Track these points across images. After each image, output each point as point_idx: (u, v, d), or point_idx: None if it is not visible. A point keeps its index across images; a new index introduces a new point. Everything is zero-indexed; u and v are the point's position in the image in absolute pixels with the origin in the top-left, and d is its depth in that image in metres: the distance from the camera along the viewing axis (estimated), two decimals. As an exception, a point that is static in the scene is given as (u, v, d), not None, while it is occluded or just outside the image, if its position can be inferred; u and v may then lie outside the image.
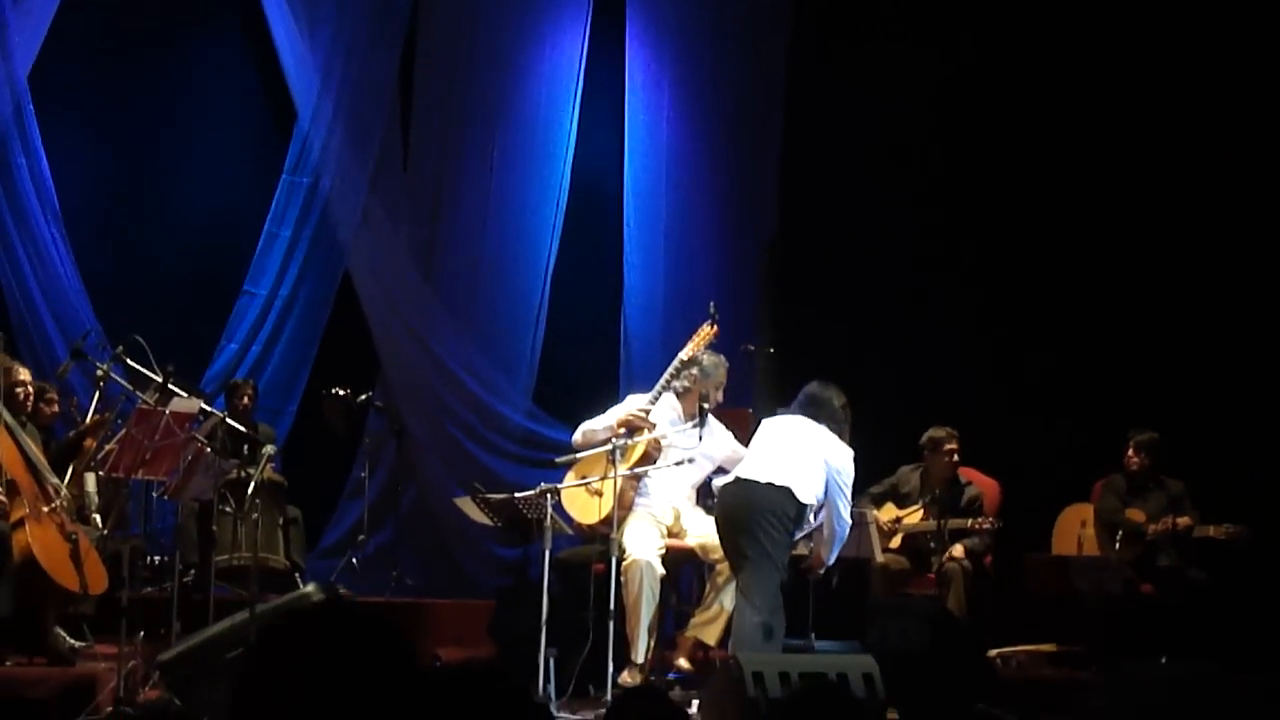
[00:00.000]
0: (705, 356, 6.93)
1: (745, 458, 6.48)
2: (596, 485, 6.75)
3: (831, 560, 6.51)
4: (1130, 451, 8.08)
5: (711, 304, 6.96)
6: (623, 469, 6.54)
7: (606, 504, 6.68)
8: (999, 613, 7.86)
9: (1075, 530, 8.18)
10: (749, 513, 6.17)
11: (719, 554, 6.62)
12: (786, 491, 6.16)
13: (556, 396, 9.22)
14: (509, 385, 9.35)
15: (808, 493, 6.22)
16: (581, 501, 6.91)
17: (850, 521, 6.45)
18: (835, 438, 6.38)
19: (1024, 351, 8.85)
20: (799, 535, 6.39)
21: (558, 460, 7.03)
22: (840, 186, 9.14)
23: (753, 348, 7.94)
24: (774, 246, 9.38)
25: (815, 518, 6.42)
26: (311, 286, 9.21)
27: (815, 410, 6.43)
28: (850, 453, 6.37)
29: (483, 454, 9.19)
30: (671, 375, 6.87)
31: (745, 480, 6.27)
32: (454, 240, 9.41)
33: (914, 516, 7.97)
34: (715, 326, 6.91)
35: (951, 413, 8.21)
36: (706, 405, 6.61)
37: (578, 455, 6.87)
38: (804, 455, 6.28)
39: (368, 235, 9.23)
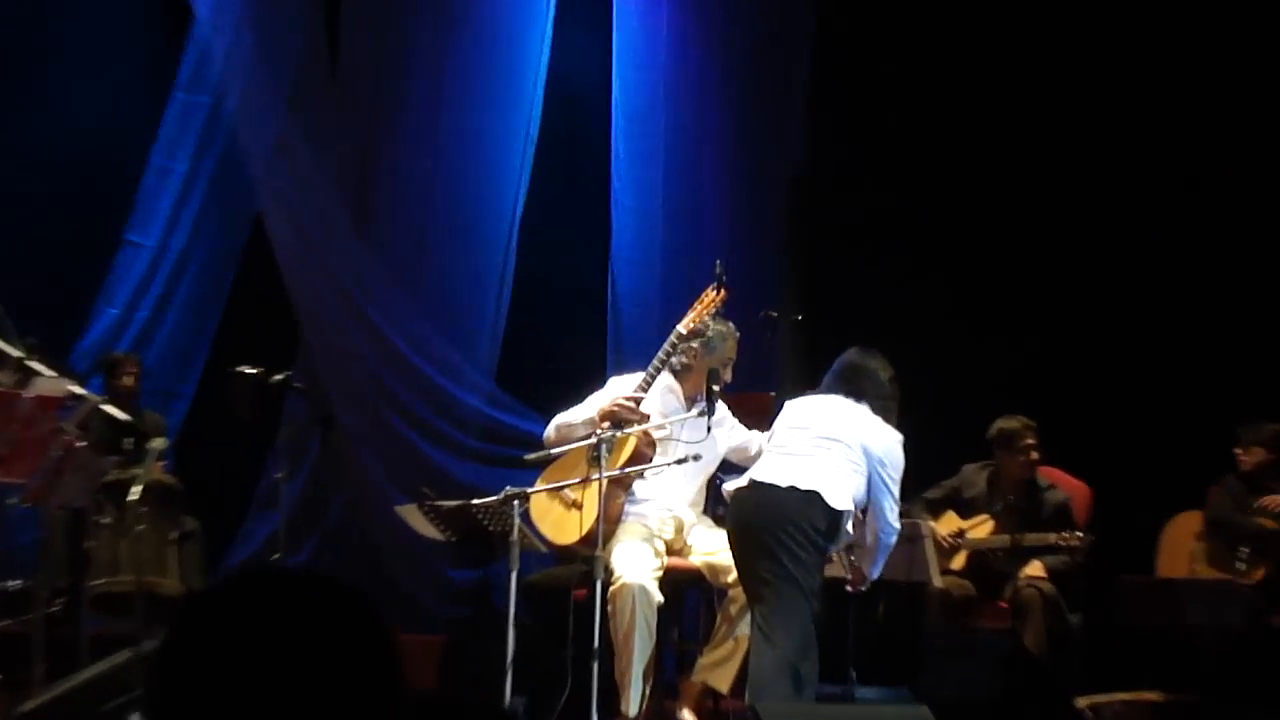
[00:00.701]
0: (711, 325, 7.01)
1: (763, 454, 6.54)
2: (574, 494, 6.83)
3: (876, 575, 6.52)
4: (1241, 449, 8.20)
5: (718, 262, 7.01)
6: (610, 471, 6.61)
7: (589, 517, 6.73)
8: (1089, 650, 7.92)
9: (1186, 546, 8.32)
10: (768, 527, 6.19)
11: (732, 576, 6.66)
12: (814, 497, 6.18)
13: (526, 377, 9.29)
14: (465, 362, 9.40)
15: (841, 497, 6.22)
16: (556, 515, 6.97)
17: (898, 528, 6.43)
18: (879, 421, 6.39)
19: (1119, 323, 9.10)
20: (834, 550, 6.39)
21: (527, 458, 7.04)
22: (886, 113, 9.29)
23: (774, 315, 7.99)
24: (801, 187, 9.44)
25: (854, 528, 6.44)
26: (213, 236, 9.27)
27: (854, 385, 6.44)
28: (898, 439, 6.38)
29: (432, 450, 9.25)
30: (667, 353, 6.96)
31: (762, 485, 6.29)
32: (396, 177, 9.45)
33: (982, 529, 8.03)
34: (723, 290, 6.97)
35: (1027, 398, 8.31)
36: (716, 387, 6.68)
37: (552, 454, 6.94)
38: (837, 447, 6.29)
39: (285, 170, 9.24)
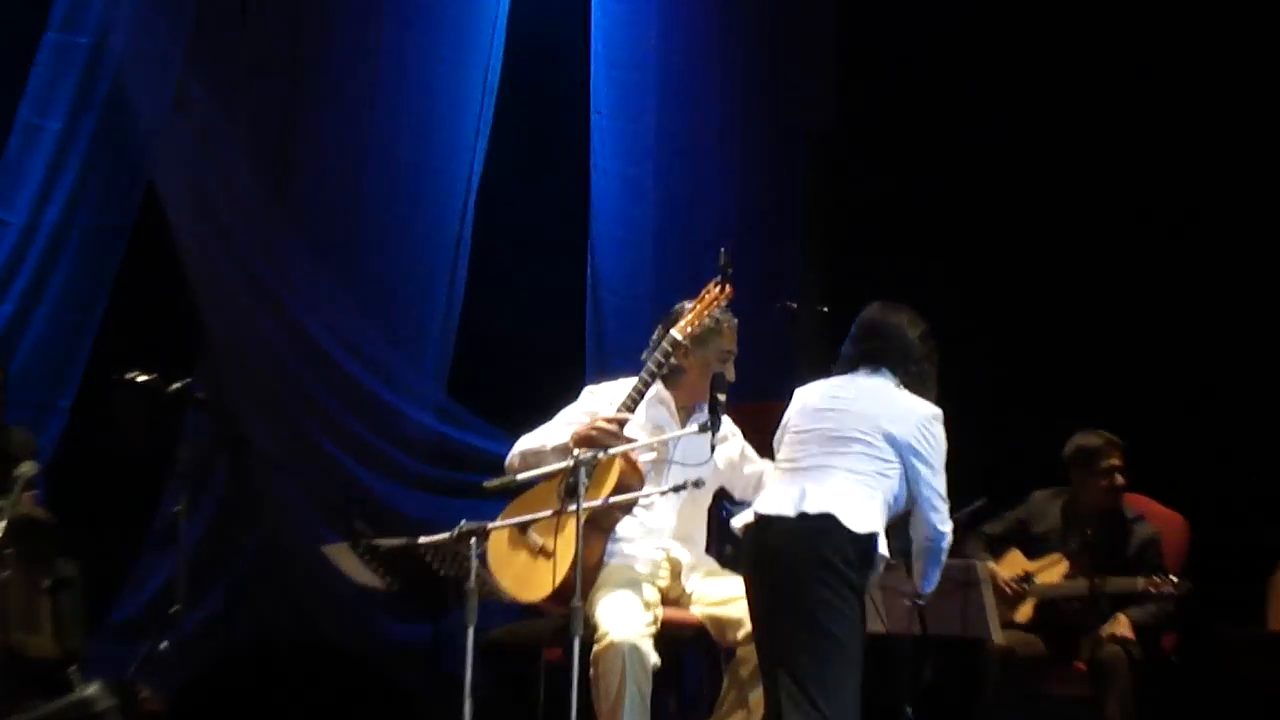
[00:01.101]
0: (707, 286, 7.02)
1: (771, 472, 6.53)
2: (542, 538, 6.83)
3: (930, 587, 6.45)
4: None
5: (723, 251, 7.00)
6: (589, 503, 6.54)
7: (562, 566, 6.69)
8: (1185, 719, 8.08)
9: None
10: (785, 572, 6.12)
11: (743, 632, 6.66)
12: (830, 523, 6.07)
13: (485, 386, 9.40)
14: (410, 368, 9.44)
15: (864, 514, 6.10)
16: (520, 565, 6.93)
17: (948, 528, 6.31)
18: (906, 396, 6.29)
19: (1217, 324, 9.15)
20: (873, 577, 6.33)
21: (487, 486, 6.89)
22: (926, 62, 9.42)
23: (793, 306, 7.99)
24: (826, 146, 9.50)
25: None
26: (94, 211, 9.05)
27: (873, 350, 6.36)
28: (934, 414, 6.25)
29: (369, 475, 9.26)
30: (659, 364, 6.95)
31: (768, 519, 6.21)
32: (323, 138, 9.46)
33: (1054, 571, 7.99)
34: (728, 286, 6.94)
35: (1109, 411, 8.39)
36: (721, 396, 6.64)
37: (517, 480, 6.85)
38: (855, 446, 6.21)
39: (185, 130, 9.17)
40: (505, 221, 9.44)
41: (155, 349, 8.67)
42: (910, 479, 6.17)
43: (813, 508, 6.07)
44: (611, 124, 9.45)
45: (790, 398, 7.17)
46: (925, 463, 6.16)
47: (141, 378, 8.52)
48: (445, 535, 6.57)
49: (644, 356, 7.03)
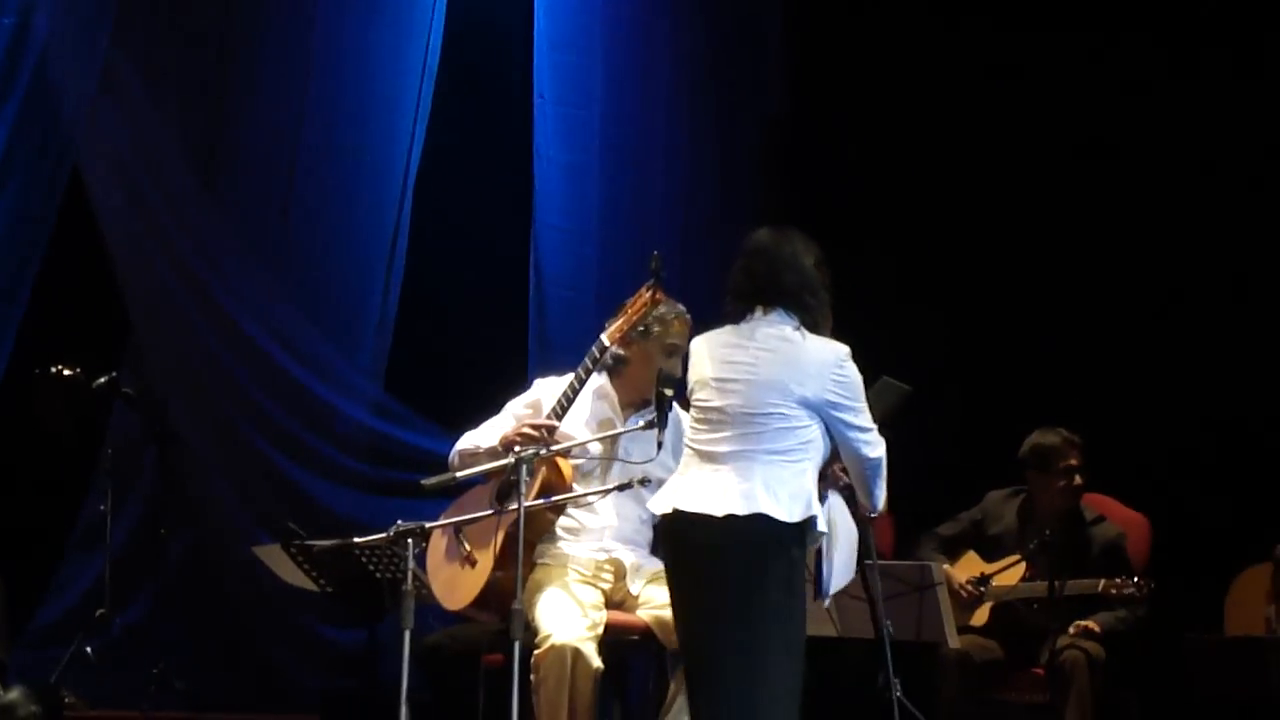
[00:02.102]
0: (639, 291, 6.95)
1: (683, 455, 6.32)
2: (469, 545, 6.84)
3: (880, 501, 6.29)
4: None
5: (655, 255, 6.91)
6: (528, 501, 6.57)
7: (482, 574, 6.76)
8: None
9: (1258, 609, 8.23)
10: (715, 576, 5.98)
11: None
12: (762, 523, 5.91)
13: (423, 380, 9.38)
14: (345, 361, 9.41)
15: (796, 501, 5.97)
16: (449, 572, 6.95)
17: (881, 448, 6.16)
18: (811, 343, 6.08)
19: (1175, 320, 9.13)
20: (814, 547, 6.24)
21: (425, 484, 6.87)
22: (884, 42, 9.39)
23: None
24: (778, 130, 9.51)
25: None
26: (17, 197, 9.04)
27: (770, 287, 6.12)
28: (842, 354, 6.07)
29: (302, 474, 9.24)
30: (590, 364, 6.92)
31: (690, 517, 6.03)
32: (254, 122, 9.41)
33: (1011, 574, 7.94)
34: (658, 291, 6.85)
35: (1067, 409, 8.31)
36: (669, 391, 6.53)
37: (457, 477, 6.87)
38: (771, 423, 6.01)
39: (112, 114, 9.14)
40: (445, 211, 9.41)
41: (80, 342, 8.88)
42: (832, 429, 6.04)
43: (741, 508, 5.93)
44: (555, 110, 9.41)
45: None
46: (845, 409, 6.03)
47: (66, 371, 8.60)
48: (381, 535, 6.55)
49: (589, 352, 6.98)
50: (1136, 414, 8.94)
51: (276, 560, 7.49)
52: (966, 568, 7.98)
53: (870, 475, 6.15)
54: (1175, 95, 9.21)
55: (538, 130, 9.41)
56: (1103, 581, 7.73)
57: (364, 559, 7.12)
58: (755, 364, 6.03)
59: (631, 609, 6.94)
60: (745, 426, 6.00)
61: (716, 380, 6.08)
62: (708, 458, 6.06)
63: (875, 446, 6.12)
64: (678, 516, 6.03)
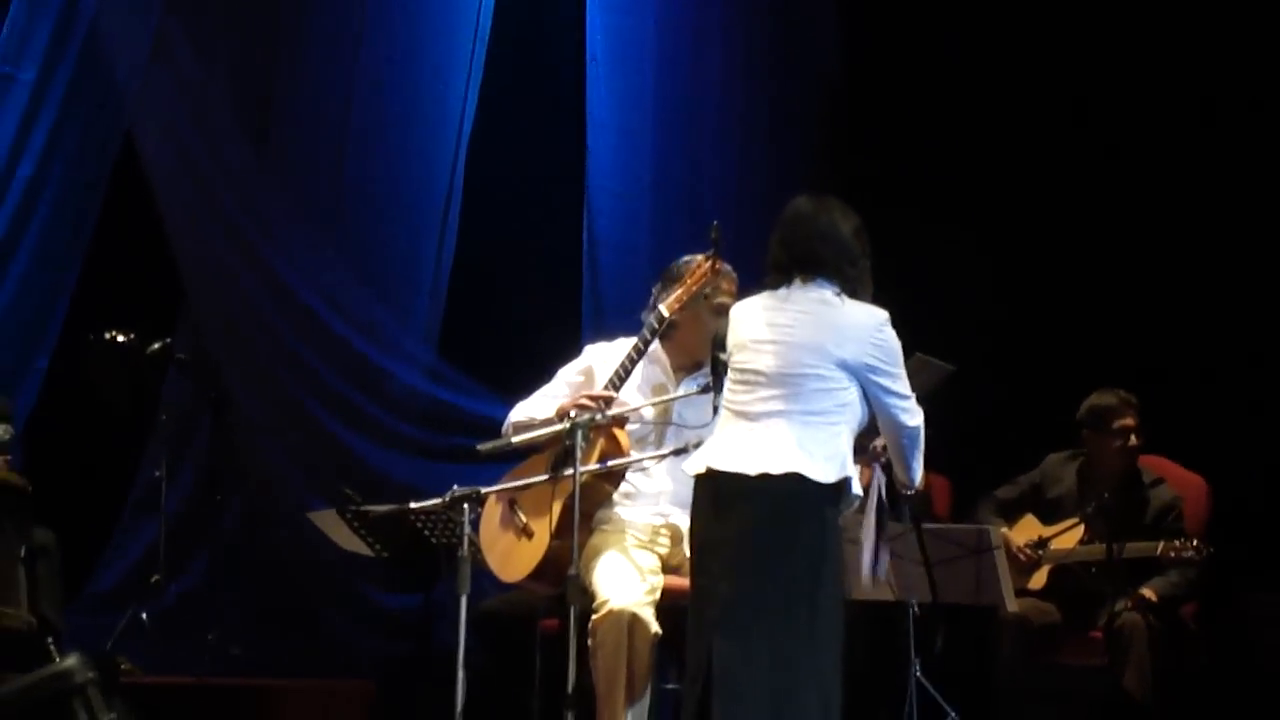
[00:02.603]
0: (694, 261, 6.93)
1: (720, 416, 6.25)
2: (525, 517, 6.83)
3: (918, 474, 6.27)
4: None
5: (715, 225, 6.85)
6: (585, 467, 6.57)
7: (540, 548, 6.74)
8: (1208, 692, 7.89)
9: None
10: (748, 537, 5.95)
11: None
12: (797, 482, 5.91)
13: (478, 345, 9.40)
14: (399, 326, 9.44)
15: (831, 462, 5.96)
16: (505, 543, 6.91)
17: (919, 417, 6.14)
18: (851, 307, 6.07)
19: (1241, 283, 9.06)
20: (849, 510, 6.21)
21: (481, 449, 6.91)
22: (945, 10, 9.37)
23: None
24: (832, 92, 9.46)
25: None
26: (70, 164, 9.11)
27: (810, 256, 6.10)
28: (882, 319, 6.06)
29: (357, 439, 9.27)
30: (646, 339, 6.89)
31: (724, 476, 6.03)
32: (306, 88, 9.45)
33: (1069, 537, 7.94)
34: (717, 260, 6.84)
35: (1126, 371, 8.31)
36: (724, 355, 6.45)
37: (513, 442, 6.87)
38: (808, 385, 5.99)
39: (163, 79, 9.17)
40: (498, 175, 9.38)
41: (134, 308, 8.92)
42: (870, 394, 6.01)
43: (776, 466, 5.90)
44: (608, 72, 9.39)
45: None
46: (884, 374, 6.01)
47: (120, 337, 8.61)
48: (437, 501, 6.59)
49: (643, 315, 6.97)
50: (1197, 375, 8.89)
51: (332, 526, 7.51)
52: (1024, 531, 7.97)
53: (908, 446, 6.13)
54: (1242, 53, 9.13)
55: (590, 93, 9.38)
56: (1161, 544, 7.71)
57: (419, 524, 7.15)
58: (793, 326, 6.01)
59: (688, 574, 6.66)
60: (782, 387, 5.98)
61: (754, 341, 6.06)
62: (743, 416, 6.04)
63: (914, 414, 6.11)
64: (711, 475, 6.01)
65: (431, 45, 9.42)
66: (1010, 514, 8.04)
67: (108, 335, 8.60)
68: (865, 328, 5.99)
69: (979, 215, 9.25)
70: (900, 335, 6.08)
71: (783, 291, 6.08)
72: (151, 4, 9.13)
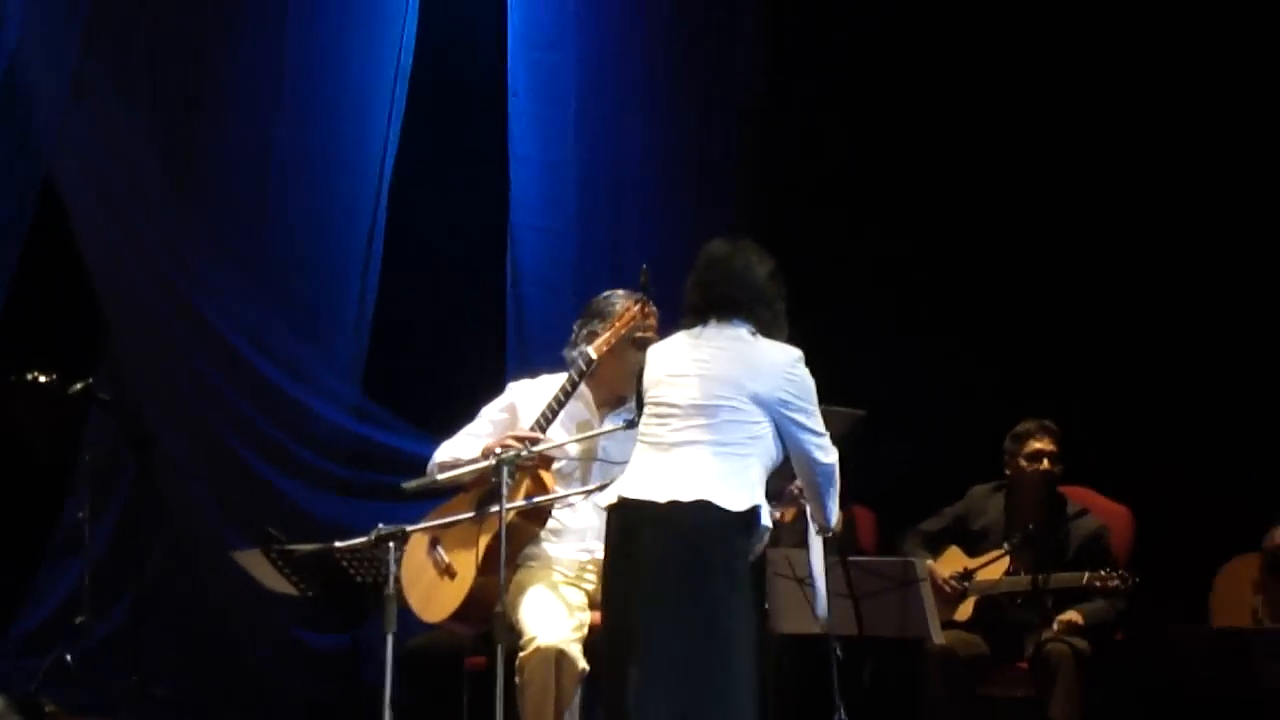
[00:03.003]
0: (617, 298, 7.00)
1: (634, 448, 6.31)
2: (447, 556, 6.83)
3: (834, 516, 6.28)
4: None
5: (644, 269, 6.89)
6: (511, 504, 6.58)
7: (461, 586, 6.72)
8: None
9: (1245, 599, 8.25)
10: (663, 567, 5.95)
11: None
12: (706, 509, 5.93)
13: (402, 382, 9.38)
14: (322, 363, 9.41)
15: (741, 491, 5.98)
16: (427, 582, 6.91)
17: (834, 456, 6.18)
18: (765, 345, 6.15)
19: (1166, 312, 9.10)
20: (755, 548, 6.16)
21: (406, 488, 6.93)
22: (867, 30, 9.37)
23: None
24: (757, 125, 9.46)
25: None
26: None
27: (725, 298, 6.18)
28: (795, 357, 6.13)
29: (281, 478, 9.23)
30: (574, 380, 6.90)
31: (634, 504, 6.05)
32: (227, 124, 9.41)
33: (995, 568, 7.97)
34: (646, 304, 6.89)
35: (1048, 402, 8.32)
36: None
37: (439, 480, 6.90)
38: (721, 414, 6.04)
39: (84, 119, 9.16)
40: (420, 210, 9.35)
41: (55, 348, 8.85)
42: (783, 431, 6.06)
43: (685, 494, 5.93)
44: (530, 107, 9.39)
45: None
46: (797, 409, 6.05)
47: (41, 378, 8.54)
48: (362, 540, 6.54)
49: (565, 352, 7.02)
50: (1120, 406, 8.93)
51: (257, 565, 7.46)
52: (950, 563, 8.02)
53: (823, 484, 6.17)
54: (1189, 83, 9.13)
55: (513, 129, 9.38)
56: (1086, 574, 7.73)
57: (345, 563, 7.13)
58: (710, 360, 6.09)
59: None
60: (695, 418, 6.03)
61: (670, 375, 6.13)
62: (656, 447, 6.09)
63: (829, 452, 6.15)
64: (622, 504, 6.04)
65: (353, 81, 9.41)
66: (935, 546, 8.09)
67: (29, 375, 8.57)
68: (779, 364, 6.07)
69: (904, 247, 9.24)
70: (823, 367, 6.13)
71: (698, 330, 6.15)
72: (71, 41, 9.03)
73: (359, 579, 7.13)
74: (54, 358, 8.71)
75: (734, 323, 6.13)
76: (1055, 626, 7.76)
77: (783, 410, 6.03)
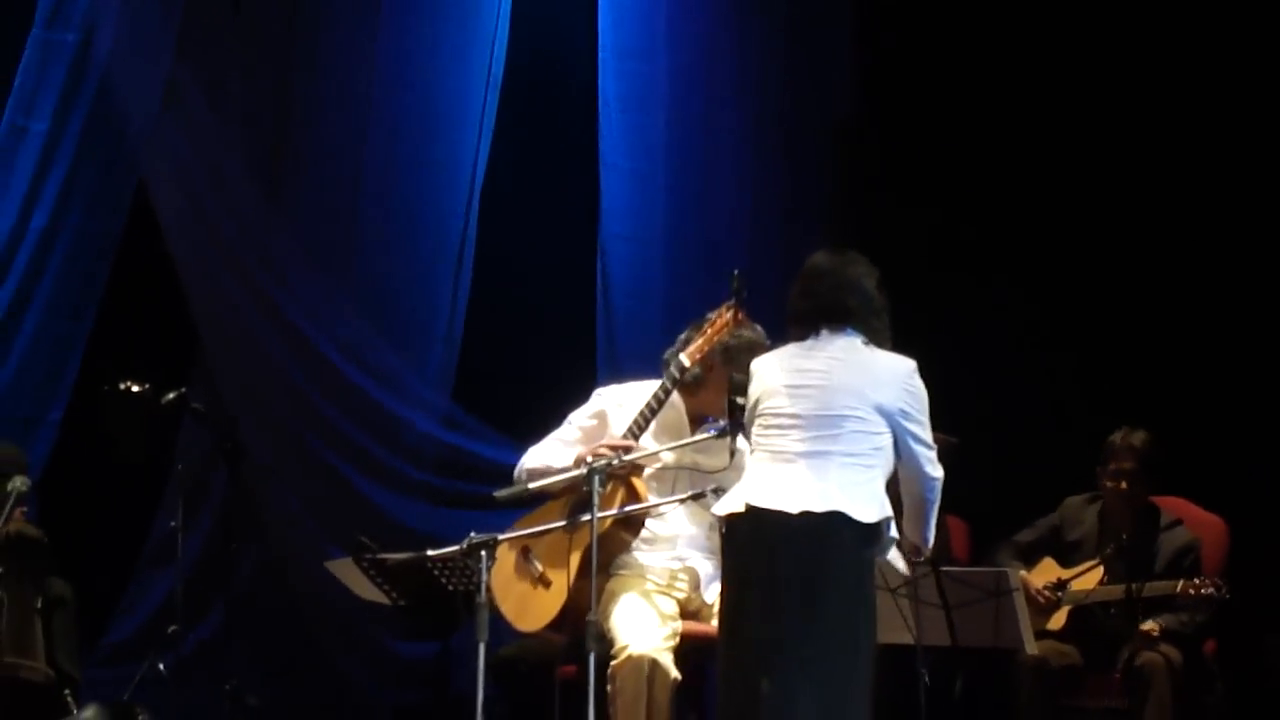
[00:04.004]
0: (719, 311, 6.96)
1: (752, 457, 6.27)
2: (541, 566, 6.88)
3: (930, 538, 6.34)
4: None
5: (736, 274, 6.92)
6: (602, 512, 6.59)
7: (557, 596, 6.77)
8: None
9: None
10: (790, 575, 5.95)
11: None
12: (839, 521, 5.93)
13: (492, 391, 9.36)
14: (413, 373, 9.42)
15: (872, 502, 5.99)
16: (520, 592, 6.95)
17: (940, 474, 6.21)
18: (880, 355, 6.17)
19: (1254, 318, 9.06)
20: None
21: (498, 496, 6.97)
22: (959, 49, 9.31)
23: None
24: (848, 140, 9.42)
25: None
26: (83, 214, 9.15)
27: (836, 306, 6.19)
28: (910, 367, 6.15)
29: (372, 487, 9.27)
30: (667, 389, 6.94)
31: (764, 513, 6.01)
32: (319, 135, 9.47)
33: (1088, 578, 7.92)
34: (739, 311, 6.92)
35: (1146, 412, 8.28)
36: (741, 400, 6.50)
37: (530, 488, 6.91)
38: (847, 425, 6.03)
39: (176, 129, 9.20)
40: (511, 221, 9.36)
41: (148, 358, 8.90)
42: (899, 441, 6.06)
43: (817, 505, 5.90)
44: (621, 117, 9.37)
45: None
46: (914, 421, 6.07)
47: (135, 388, 8.51)
48: (454, 549, 6.60)
49: (665, 355, 6.99)
50: (1217, 415, 8.85)
51: (349, 574, 7.43)
52: (1043, 574, 7.97)
53: (929, 500, 6.18)
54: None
55: (604, 138, 9.38)
56: (1181, 583, 7.67)
57: (437, 572, 7.07)
58: (829, 371, 6.07)
59: (707, 619, 6.89)
60: (820, 429, 6.01)
61: (788, 387, 6.09)
62: (781, 457, 6.05)
63: (937, 466, 6.18)
64: (751, 513, 5.99)
65: (445, 91, 9.43)
66: (1029, 557, 8.06)
67: (122, 386, 8.54)
68: (898, 374, 6.08)
69: (1000, 256, 9.23)
70: (927, 382, 6.15)
71: (810, 341, 6.14)
72: (163, 52, 9.13)
73: (451, 588, 7.06)
74: (148, 367, 8.69)
75: (846, 332, 6.13)
76: (1139, 642, 7.71)
77: (902, 421, 6.05)
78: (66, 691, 7.99)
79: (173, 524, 8.71)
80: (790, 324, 6.25)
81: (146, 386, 8.60)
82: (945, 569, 7.14)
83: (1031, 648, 7.41)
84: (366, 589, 7.40)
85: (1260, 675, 7.97)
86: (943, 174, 9.35)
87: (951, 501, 6.41)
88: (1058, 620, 7.91)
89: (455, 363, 9.43)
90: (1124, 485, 7.96)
